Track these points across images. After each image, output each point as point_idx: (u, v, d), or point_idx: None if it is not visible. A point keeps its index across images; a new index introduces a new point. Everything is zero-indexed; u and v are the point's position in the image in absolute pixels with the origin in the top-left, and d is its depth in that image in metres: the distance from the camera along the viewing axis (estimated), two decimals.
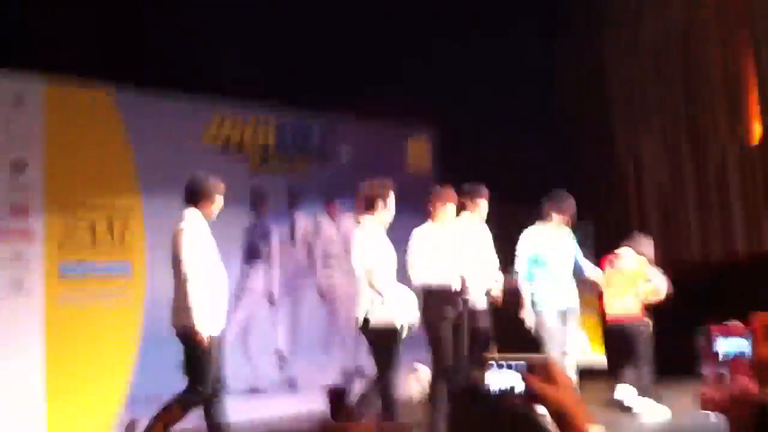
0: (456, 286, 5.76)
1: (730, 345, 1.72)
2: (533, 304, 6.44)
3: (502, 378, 1.50)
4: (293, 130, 8.21)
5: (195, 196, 5.19)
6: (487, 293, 6.16)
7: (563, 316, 6.48)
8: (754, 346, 1.62)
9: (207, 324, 4.87)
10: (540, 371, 1.48)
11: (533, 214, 7.01)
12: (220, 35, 7.24)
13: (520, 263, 6.52)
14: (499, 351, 6.68)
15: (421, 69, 8.35)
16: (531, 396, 1.47)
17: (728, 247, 9.48)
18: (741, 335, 1.69)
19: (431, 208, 5.96)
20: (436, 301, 5.63)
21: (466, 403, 1.87)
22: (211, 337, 4.89)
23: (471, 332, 5.89)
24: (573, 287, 6.64)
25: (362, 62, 8.36)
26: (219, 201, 5.24)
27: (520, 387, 1.48)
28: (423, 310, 5.53)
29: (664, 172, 10.03)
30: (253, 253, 7.48)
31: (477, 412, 1.66)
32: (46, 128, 6.52)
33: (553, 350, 6.25)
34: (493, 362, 1.51)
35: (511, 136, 8.94)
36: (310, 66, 7.99)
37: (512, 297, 6.50)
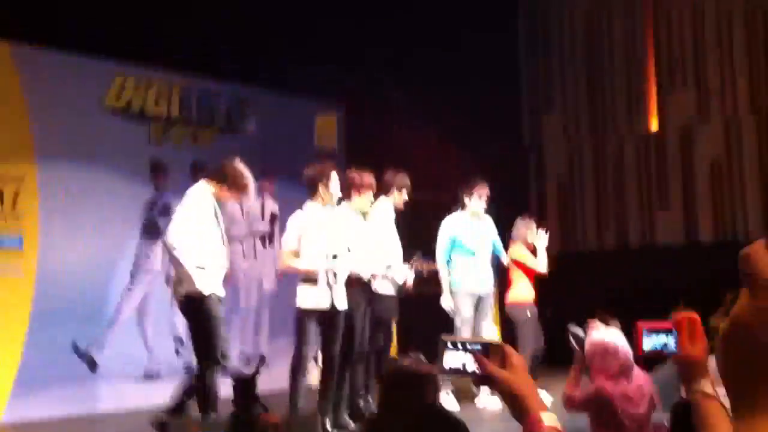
0: (369, 275, 5.89)
1: (654, 341, 1.77)
2: (450, 289, 6.66)
3: (456, 358, 1.53)
4: (199, 99, 7.93)
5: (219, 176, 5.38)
6: (396, 280, 6.23)
7: (478, 302, 6.68)
8: (679, 343, 1.67)
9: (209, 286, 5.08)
10: (495, 354, 1.50)
11: (444, 201, 7.08)
12: None
13: (439, 249, 6.70)
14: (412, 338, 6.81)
15: (330, 45, 8.20)
16: (484, 377, 1.50)
17: (622, 238, 9.83)
18: (666, 331, 1.76)
19: (351, 191, 5.96)
20: (353, 288, 5.73)
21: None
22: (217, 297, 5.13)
23: (377, 320, 6.04)
24: (490, 274, 6.85)
25: (273, 33, 8.15)
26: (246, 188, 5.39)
27: (473, 368, 1.52)
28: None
29: (563, 162, 10.27)
30: (151, 230, 7.17)
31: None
32: None
33: (466, 335, 6.42)
34: (448, 343, 1.54)
35: (419, 120, 8.95)
36: (220, 33, 7.73)
37: (429, 283, 6.62)
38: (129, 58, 7.23)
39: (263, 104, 8.39)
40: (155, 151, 7.44)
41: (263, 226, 7.83)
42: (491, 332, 7.02)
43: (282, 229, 6.02)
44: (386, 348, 6.40)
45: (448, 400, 6.39)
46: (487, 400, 6.56)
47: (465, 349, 1.54)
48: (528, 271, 7.01)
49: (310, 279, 5.47)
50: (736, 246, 0.98)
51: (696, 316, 1.62)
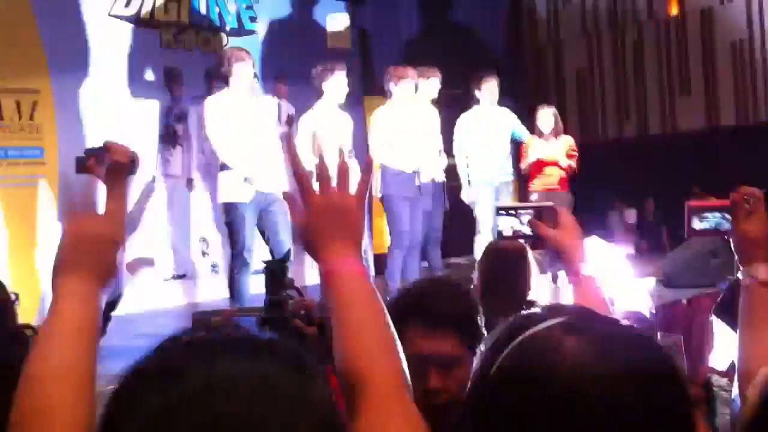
0: (414, 168, 6.06)
1: (710, 221, 1.76)
2: (469, 182, 6.77)
3: (511, 223, 1.65)
4: (207, 4, 7.83)
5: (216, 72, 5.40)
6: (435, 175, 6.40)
7: (497, 192, 6.75)
8: (735, 221, 1.65)
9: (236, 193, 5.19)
10: (547, 216, 1.63)
11: (461, 97, 7.06)
12: None
13: (456, 144, 6.82)
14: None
15: None
16: (537, 238, 1.64)
17: (642, 127, 9.72)
18: (720, 210, 1.72)
19: (389, 87, 6.11)
20: (395, 182, 5.94)
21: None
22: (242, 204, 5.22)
23: (424, 211, 6.22)
24: (508, 164, 6.89)
25: None
26: (240, 69, 5.29)
27: (526, 230, 1.65)
28: (383, 189, 5.97)
29: (582, 56, 10.08)
30: (170, 137, 7.21)
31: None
32: None
33: (485, 228, 6.54)
34: (503, 209, 1.67)
35: (436, 17, 8.80)
36: None
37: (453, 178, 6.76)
38: None
39: (274, 7, 8.27)
40: (168, 58, 7.40)
41: (281, 128, 7.83)
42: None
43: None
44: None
45: None
46: None
47: (517, 215, 1.65)
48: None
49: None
50: (758, 130, 0.95)
51: (760, 193, 1.58)
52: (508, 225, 1.66)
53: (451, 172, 6.82)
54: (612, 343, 0.89)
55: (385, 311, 1.15)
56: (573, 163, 6.99)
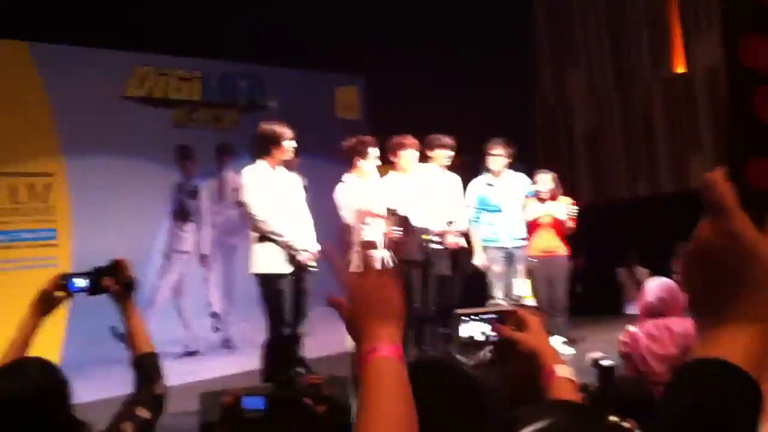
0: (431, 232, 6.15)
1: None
2: (483, 247, 6.82)
3: (474, 329, 1.63)
4: (219, 82, 8.00)
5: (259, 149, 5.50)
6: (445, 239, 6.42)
7: (510, 258, 6.75)
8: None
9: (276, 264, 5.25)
10: (511, 320, 1.60)
11: (473, 163, 7.13)
12: None
13: (467, 209, 6.85)
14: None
15: (346, 17, 8.20)
16: (504, 342, 1.60)
17: (654, 186, 9.70)
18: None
19: (389, 156, 6.19)
20: (407, 245, 5.95)
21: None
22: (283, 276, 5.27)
23: (436, 277, 6.24)
24: (521, 229, 6.90)
25: (288, 10, 8.16)
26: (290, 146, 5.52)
27: (491, 335, 1.62)
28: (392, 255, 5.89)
29: (591, 114, 10.15)
30: (182, 213, 7.32)
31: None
32: None
33: (497, 292, 6.54)
34: (465, 315, 1.65)
35: (440, 85, 8.91)
36: (234, 16, 7.76)
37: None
38: (146, 47, 7.32)
39: (283, 81, 8.43)
40: (180, 136, 7.54)
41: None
42: (523, 286, 7.05)
43: (310, 201, 6.14)
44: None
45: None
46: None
47: (480, 320, 1.64)
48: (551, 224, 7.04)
49: (369, 245, 5.62)
50: None
51: None
52: (477, 331, 1.64)
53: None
54: None
55: (411, 399, 1.14)
56: (572, 224, 7.00)
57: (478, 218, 6.89)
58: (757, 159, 0.84)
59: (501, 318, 1.62)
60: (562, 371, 1.54)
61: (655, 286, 3.98)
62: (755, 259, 0.83)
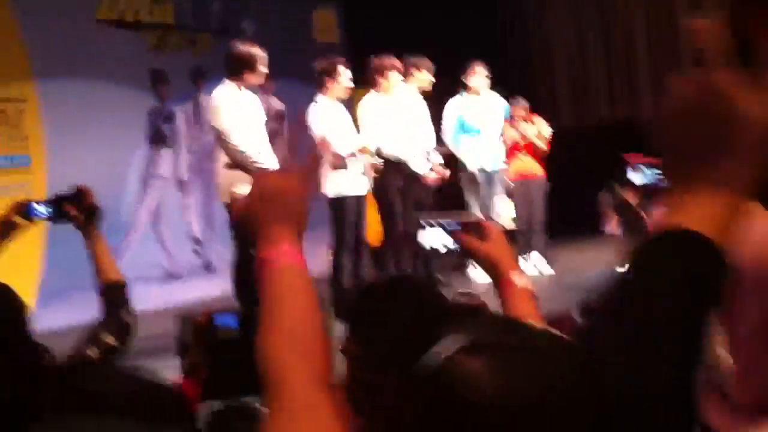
0: (404, 157, 6.11)
1: (646, 175, 1.74)
2: (462, 168, 6.85)
3: (436, 237, 1.60)
4: (192, 5, 7.82)
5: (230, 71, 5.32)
6: (428, 162, 6.42)
7: (489, 179, 6.78)
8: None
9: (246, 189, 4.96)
10: (472, 229, 1.58)
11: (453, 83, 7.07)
12: None
13: (446, 132, 6.87)
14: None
15: None
16: (464, 252, 1.60)
17: (635, 110, 9.67)
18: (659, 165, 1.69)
19: (376, 78, 6.19)
20: (387, 170, 6.01)
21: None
22: None
23: (415, 200, 6.22)
24: (499, 151, 6.91)
25: None
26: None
27: (452, 244, 1.60)
28: (375, 179, 6.00)
29: (572, 38, 10.02)
30: (158, 138, 7.24)
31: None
32: None
33: (478, 213, 6.58)
34: (427, 222, 1.62)
35: (417, 7, 8.76)
36: None
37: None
38: None
39: (259, 3, 8.25)
40: (154, 61, 7.41)
41: (271, 124, 7.84)
42: (505, 208, 7.08)
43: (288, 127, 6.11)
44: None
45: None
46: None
47: (443, 228, 1.61)
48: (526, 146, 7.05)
49: (340, 167, 5.60)
50: None
51: None
52: (438, 241, 1.62)
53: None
54: (520, 364, 0.77)
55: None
56: (545, 147, 7.00)
57: (457, 139, 6.88)
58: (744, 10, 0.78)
59: (463, 227, 1.60)
60: (520, 280, 1.54)
61: None
62: (737, 120, 0.75)
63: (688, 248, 0.77)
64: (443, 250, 1.62)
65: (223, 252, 7.09)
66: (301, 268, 1.10)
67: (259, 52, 5.43)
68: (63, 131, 6.56)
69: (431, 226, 1.62)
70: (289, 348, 1.03)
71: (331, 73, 5.86)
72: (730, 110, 0.75)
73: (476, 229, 1.59)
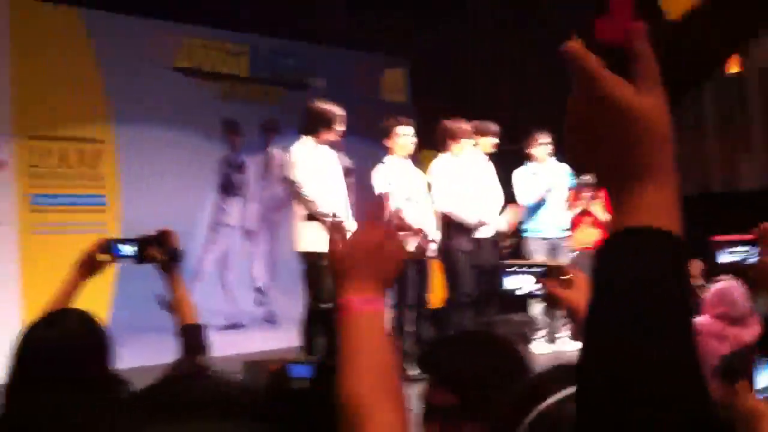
0: (474, 219, 6.11)
1: (735, 254, 1.70)
2: (523, 234, 6.82)
3: (521, 281, 1.64)
4: (268, 57, 7.98)
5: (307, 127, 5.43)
6: (496, 227, 6.42)
7: (553, 247, 6.70)
8: (763, 251, 1.61)
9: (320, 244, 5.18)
10: (557, 275, 1.60)
11: (518, 151, 7.07)
12: None
13: (519, 196, 6.83)
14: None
15: None
16: (548, 297, 1.61)
17: (704, 186, 9.55)
18: (746, 244, 1.66)
19: (446, 141, 6.23)
20: (455, 233, 6.00)
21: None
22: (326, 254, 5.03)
23: (481, 265, 6.20)
24: (564, 220, 6.85)
25: None
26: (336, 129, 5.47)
27: (537, 289, 1.62)
28: (442, 240, 5.99)
29: None
30: (228, 187, 7.32)
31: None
32: (13, 53, 6.23)
33: None
34: (513, 267, 1.65)
35: (488, 68, 8.83)
36: None
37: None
38: (197, 19, 7.30)
39: (331, 61, 8.39)
40: (227, 110, 7.53)
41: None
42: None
43: (358, 183, 6.11)
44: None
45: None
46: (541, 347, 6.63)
47: (526, 272, 1.63)
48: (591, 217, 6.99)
49: (406, 228, 5.63)
50: None
51: None
52: (520, 284, 1.63)
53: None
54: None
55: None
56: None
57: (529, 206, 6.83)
58: (597, 18, 0.83)
59: (547, 272, 1.61)
60: None
61: (732, 290, 3.99)
62: (630, 114, 0.79)
63: (651, 243, 0.78)
64: (527, 294, 1.64)
65: (286, 304, 7.11)
66: (379, 316, 1.15)
67: (338, 111, 5.50)
68: (137, 174, 6.68)
69: (516, 271, 1.63)
70: (374, 387, 1.07)
71: (395, 132, 5.90)
72: (623, 108, 0.79)
73: (561, 275, 1.58)
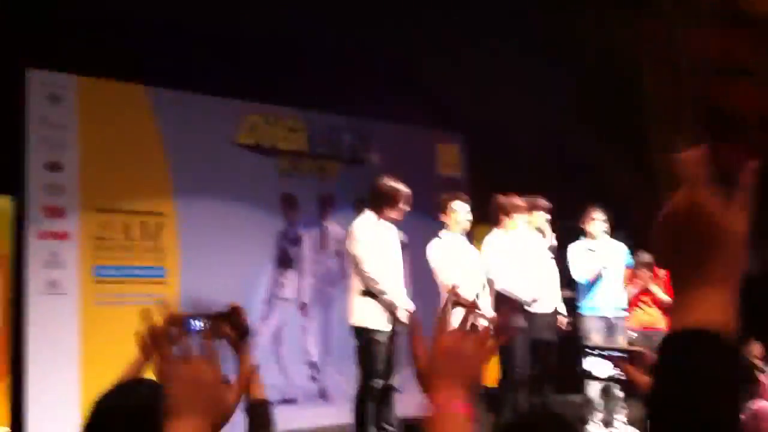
0: (528, 297, 6.07)
1: None
2: (580, 311, 6.72)
3: (602, 366, 1.63)
4: (324, 134, 8.13)
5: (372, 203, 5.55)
6: (553, 304, 6.40)
7: (610, 326, 6.59)
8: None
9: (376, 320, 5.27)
10: (637, 361, 1.63)
11: (571, 226, 7.02)
12: (255, 39, 7.16)
13: (574, 272, 6.75)
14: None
15: (450, 73, 8.24)
16: (629, 383, 1.63)
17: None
18: None
19: (500, 216, 6.25)
20: (510, 309, 5.97)
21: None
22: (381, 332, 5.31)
23: (536, 342, 6.15)
24: (621, 298, 6.75)
25: (391, 67, 8.26)
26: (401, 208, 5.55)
27: (618, 374, 1.64)
28: (496, 317, 5.87)
29: None
30: (284, 260, 7.40)
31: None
32: (81, 128, 6.47)
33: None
34: (595, 351, 1.67)
35: (543, 141, 8.85)
36: (342, 71, 7.90)
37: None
38: (257, 97, 7.50)
39: (386, 135, 8.51)
40: (285, 184, 7.65)
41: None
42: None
43: (412, 258, 6.13)
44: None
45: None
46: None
47: (606, 356, 1.64)
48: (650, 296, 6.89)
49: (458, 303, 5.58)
50: None
51: None
52: (601, 368, 1.63)
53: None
54: None
55: None
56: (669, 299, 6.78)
57: (587, 283, 6.77)
58: (720, 145, 0.93)
59: (628, 357, 1.63)
60: None
61: None
62: (716, 225, 0.89)
63: (706, 349, 0.85)
64: (609, 378, 1.67)
65: (339, 380, 7.09)
66: (467, 418, 1.18)
67: (403, 190, 5.55)
68: (197, 247, 6.80)
69: (596, 354, 1.64)
70: None
71: (452, 208, 5.97)
72: (712, 218, 0.90)
73: (640, 360, 1.60)
